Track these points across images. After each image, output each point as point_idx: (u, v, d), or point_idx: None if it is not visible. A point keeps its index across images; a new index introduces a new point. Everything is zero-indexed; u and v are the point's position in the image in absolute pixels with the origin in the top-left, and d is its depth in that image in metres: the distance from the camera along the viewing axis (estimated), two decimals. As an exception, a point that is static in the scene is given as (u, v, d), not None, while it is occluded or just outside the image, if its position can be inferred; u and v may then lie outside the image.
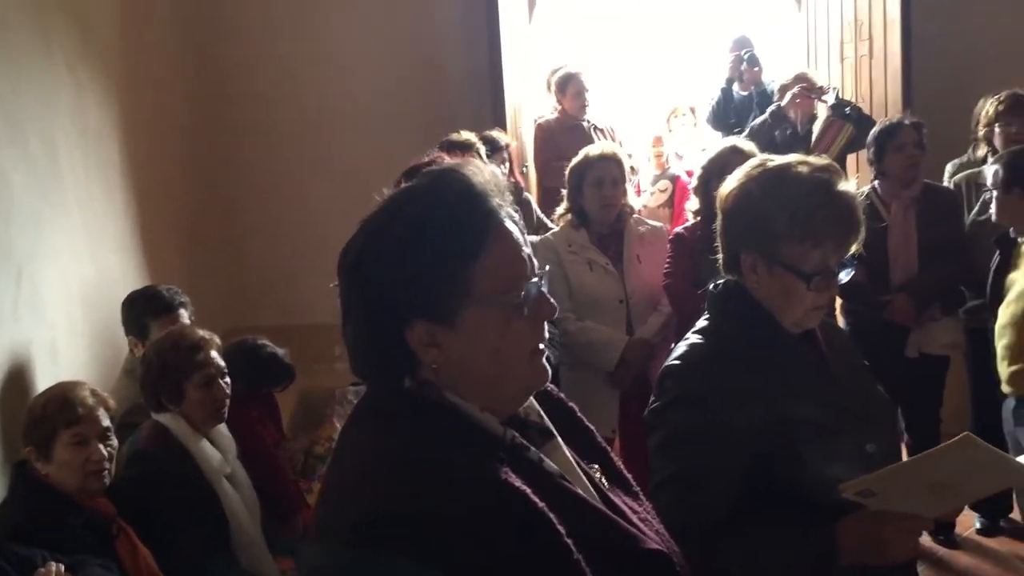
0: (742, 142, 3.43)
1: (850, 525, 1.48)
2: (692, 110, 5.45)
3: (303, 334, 4.05)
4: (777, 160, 1.65)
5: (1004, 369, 3.06)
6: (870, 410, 1.70)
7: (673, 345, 1.77)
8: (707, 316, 1.71)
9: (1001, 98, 3.68)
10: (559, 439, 1.22)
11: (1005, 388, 3.08)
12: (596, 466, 1.27)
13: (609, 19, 6.70)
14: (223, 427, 2.73)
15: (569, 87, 5.11)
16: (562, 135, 5.05)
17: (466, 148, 3.52)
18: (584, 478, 1.21)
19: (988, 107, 3.74)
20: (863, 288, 3.54)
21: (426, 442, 1.09)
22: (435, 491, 1.04)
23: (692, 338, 1.68)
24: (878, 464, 1.55)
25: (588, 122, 5.14)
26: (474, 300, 1.12)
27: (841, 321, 3.88)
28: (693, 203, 3.41)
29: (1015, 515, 3.66)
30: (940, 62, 4.67)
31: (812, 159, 1.64)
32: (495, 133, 4.44)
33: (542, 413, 1.24)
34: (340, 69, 5.21)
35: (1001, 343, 3.07)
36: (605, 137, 5.08)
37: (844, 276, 1.62)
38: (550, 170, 4.93)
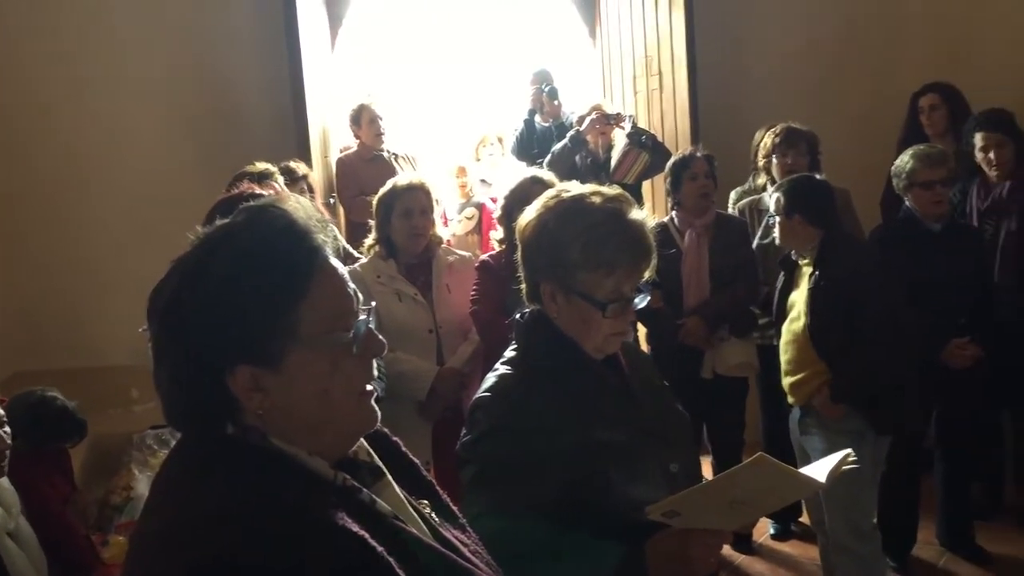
0: (543, 172, 3.51)
1: (658, 544, 1.53)
2: (500, 140, 5.55)
3: (96, 377, 3.81)
4: (571, 191, 1.69)
5: (786, 382, 3.27)
6: (672, 431, 1.77)
7: (483, 373, 1.78)
8: (514, 346, 1.73)
9: (777, 131, 3.96)
10: (389, 477, 1.19)
11: (790, 399, 3.29)
12: (425, 501, 1.25)
13: (412, 48, 6.72)
14: (5, 481, 2.52)
15: (362, 118, 5.08)
16: (363, 168, 5.00)
17: (263, 178, 3.43)
18: (415, 515, 1.19)
19: (766, 139, 4.02)
20: (660, 312, 3.70)
21: (253, 489, 1.03)
22: (267, 539, 0.98)
23: (500, 369, 1.69)
24: (681, 482, 1.61)
25: (388, 151, 5.12)
26: (300, 342, 1.07)
27: (644, 345, 4.05)
28: (498, 232, 3.45)
29: (804, 519, 3.90)
30: (723, 96, 4.99)
31: (604, 189, 1.68)
32: (293, 163, 4.34)
33: (371, 451, 1.20)
34: (131, 95, 4.98)
35: (784, 358, 3.28)
36: (406, 165, 5.09)
37: (640, 302, 1.67)
38: (354, 205, 4.88)
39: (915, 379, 3.17)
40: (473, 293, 3.30)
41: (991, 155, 3.81)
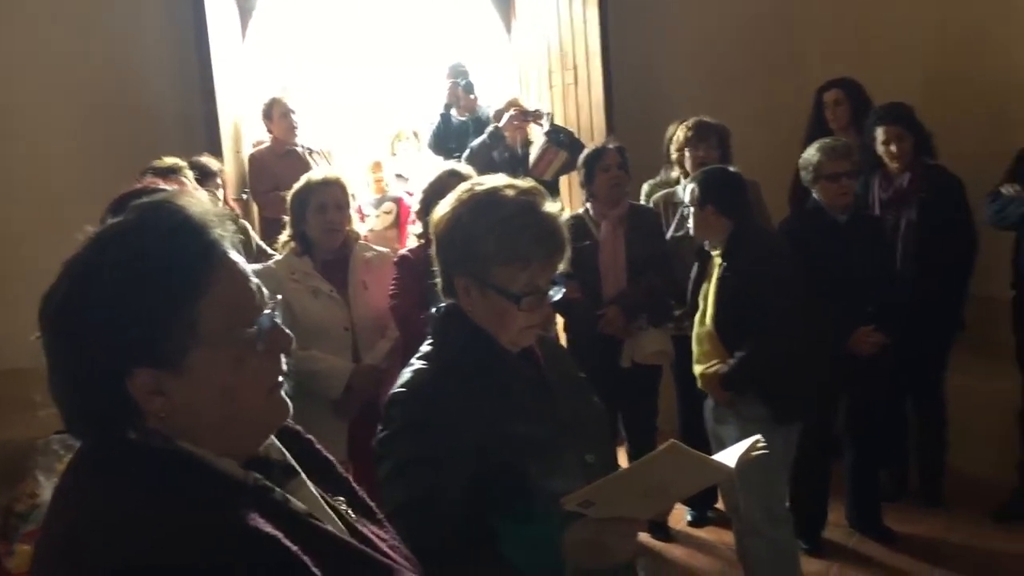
0: (460, 166, 3.50)
1: (574, 535, 1.53)
2: (415, 134, 5.52)
3: (-5, 380, 3.67)
4: (485, 184, 1.68)
5: (697, 370, 3.33)
6: (587, 422, 1.78)
7: (402, 369, 1.76)
8: (430, 341, 1.72)
9: (689, 125, 4.02)
10: (303, 475, 1.17)
11: (700, 386, 3.35)
12: (341, 498, 1.23)
13: (326, 41, 6.63)
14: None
15: (274, 111, 4.99)
16: (276, 163, 4.92)
17: (171, 173, 3.34)
18: (331, 512, 1.17)
19: (678, 133, 4.09)
20: (579, 303, 3.74)
21: (159, 494, 1.00)
22: (176, 544, 0.95)
23: (416, 364, 1.68)
24: (598, 473, 1.62)
25: (302, 146, 5.05)
26: (202, 340, 1.04)
27: (563, 336, 4.08)
28: (417, 227, 3.44)
29: (720, 505, 3.98)
30: (636, 90, 5.05)
31: (518, 182, 1.68)
32: (205, 159, 4.24)
33: (283, 449, 1.18)
34: (34, 87, 4.79)
35: (696, 348, 3.34)
36: (321, 160, 5.02)
37: (554, 294, 1.68)
38: (268, 201, 4.79)
39: (820, 368, 3.25)
40: (392, 288, 3.27)
41: (891, 147, 3.94)
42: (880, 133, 3.98)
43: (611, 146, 3.93)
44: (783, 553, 3.23)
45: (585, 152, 3.99)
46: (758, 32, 5.27)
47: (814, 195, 3.69)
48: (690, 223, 3.30)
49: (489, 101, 5.45)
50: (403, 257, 3.37)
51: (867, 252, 3.63)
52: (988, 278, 4.10)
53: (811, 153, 3.65)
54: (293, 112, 4.99)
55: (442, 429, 1.55)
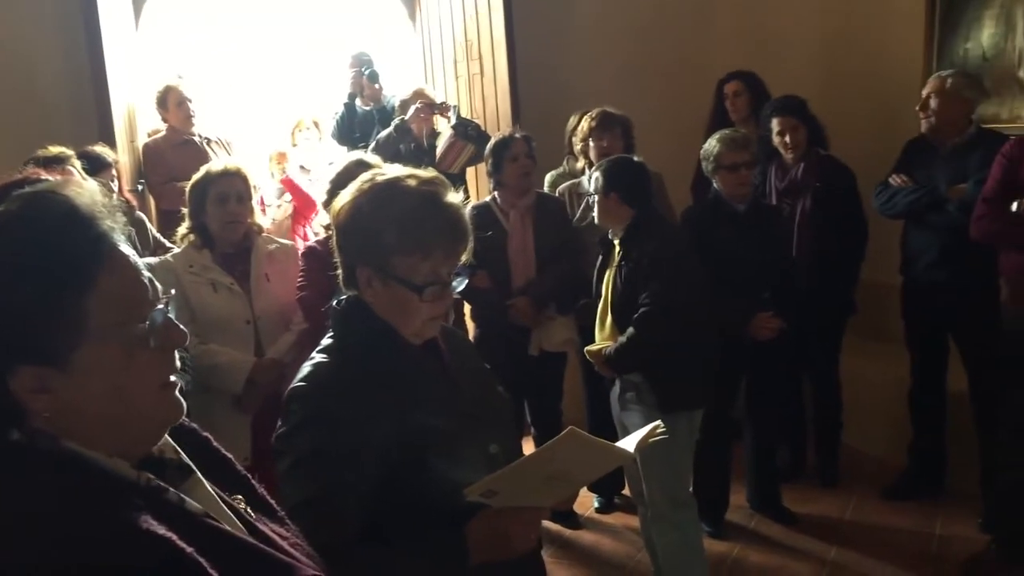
0: (368, 156, 3.46)
1: (477, 525, 1.54)
2: (316, 124, 5.43)
3: None
4: (386, 174, 1.67)
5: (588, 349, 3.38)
6: (491, 412, 1.78)
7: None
8: (331, 334, 1.69)
9: (593, 115, 4.06)
10: (199, 474, 1.13)
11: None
12: (239, 496, 1.19)
13: (224, 27, 6.45)
14: None
15: (170, 100, 4.83)
16: (173, 153, 4.76)
17: (56, 163, 3.20)
18: (229, 512, 1.14)
19: (582, 123, 4.12)
20: (488, 292, 3.74)
21: (44, 497, 0.95)
22: (64, 548, 0.91)
23: (317, 357, 1.65)
24: (502, 463, 1.62)
25: (200, 136, 4.91)
26: (90, 336, 1.00)
27: (471, 326, 4.08)
28: (324, 217, 3.38)
29: (627, 491, 4.04)
30: (541, 82, 5.07)
31: (420, 172, 1.67)
32: (99, 148, 4.08)
33: (178, 448, 1.14)
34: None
35: (598, 334, 3.39)
36: (220, 151, 4.89)
37: (458, 285, 1.67)
38: (165, 192, 4.65)
39: (715, 355, 3.32)
40: (300, 279, 3.22)
41: (786, 138, 4.06)
42: (775, 124, 4.09)
43: (518, 135, 3.93)
44: (687, 537, 3.30)
45: (492, 141, 3.98)
46: (660, 25, 5.35)
47: (714, 185, 3.77)
48: (595, 211, 3.34)
49: (394, 91, 5.39)
50: (310, 248, 3.32)
51: (765, 240, 3.73)
52: (878, 265, 4.27)
53: (711, 144, 3.73)
54: (190, 100, 4.84)
55: (343, 423, 1.53)
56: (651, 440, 1.70)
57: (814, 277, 4.00)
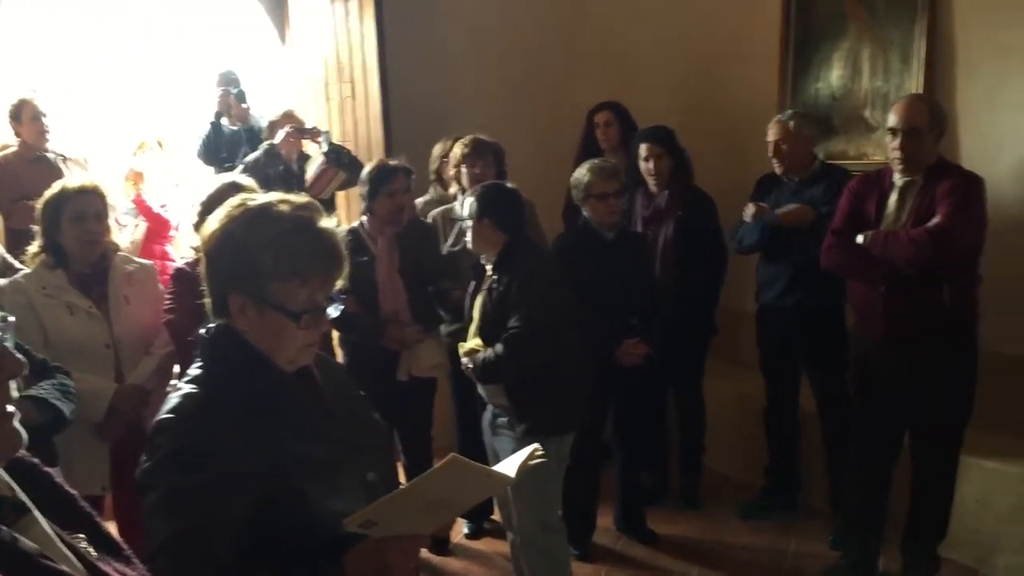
0: (241, 178, 3.37)
1: (356, 555, 1.51)
2: (160, 143, 5.27)
3: None
4: (258, 199, 1.63)
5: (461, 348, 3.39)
6: (367, 440, 1.76)
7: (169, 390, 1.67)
8: (199, 363, 1.63)
9: (466, 142, 4.08)
10: (36, 512, 1.07)
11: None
12: (81, 536, 1.13)
13: (82, 42, 6.19)
14: None
15: (23, 114, 4.61)
16: (25, 170, 4.54)
17: None
18: (68, 552, 1.08)
19: (455, 149, 4.14)
20: (357, 318, 3.69)
21: None
22: None
23: (185, 388, 1.59)
24: (379, 491, 1.60)
25: (54, 152, 4.68)
26: None
27: (339, 353, 4.01)
28: (194, 239, 3.27)
29: (496, 516, 4.06)
30: (415, 107, 5.07)
31: (292, 197, 1.64)
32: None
33: (13, 485, 1.08)
34: None
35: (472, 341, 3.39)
36: (76, 169, 4.69)
37: (333, 311, 1.65)
38: (15, 210, 4.40)
39: (583, 381, 3.38)
40: (168, 302, 3.11)
41: (651, 165, 4.20)
42: (643, 150, 4.23)
43: (400, 168, 3.81)
44: (556, 561, 3.33)
45: (373, 169, 3.84)
46: (530, 54, 5.46)
47: (584, 213, 3.85)
48: (468, 237, 3.35)
49: (262, 111, 5.29)
50: (179, 270, 3.21)
51: (632, 267, 3.83)
52: (736, 292, 4.47)
53: (581, 173, 3.81)
54: (44, 115, 4.62)
55: (213, 456, 1.48)
56: (531, 463, 1.72)
57: (677, 302, 4.14)
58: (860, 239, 3.37)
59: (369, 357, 3.75)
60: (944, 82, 4.14)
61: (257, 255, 1.55)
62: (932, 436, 3.45)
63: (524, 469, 1.69)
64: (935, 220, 3.21)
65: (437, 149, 4.34)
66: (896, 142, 3.31)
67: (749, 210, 4.03)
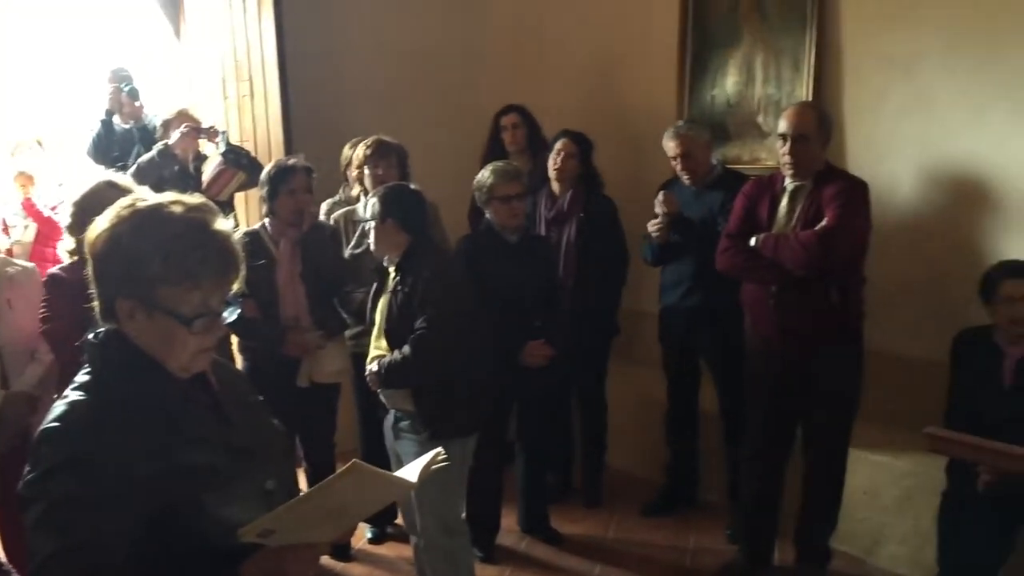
0: (118, 176, 3.26)
1: (253, 566, 1.48)
2: (39, 142, 5.08)
3: None
4: (148, 200, 1.58)
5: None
6: (266, 447, 1.73)
7: (56, 398, 1.60)
8: (86, 370, 1.57)
9: (368, 143, 4.04)
10: None
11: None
12: None
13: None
14: None
15: None
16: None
17: None
18: None
19: (358, 151, 4.10)
20: (256, 323, 3.62)
21: None
22: None
23: (71, 395, 1.52)
24: (279, 499, 1.57)
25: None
26: None
27: (239, 358, 3.92)
28: (68, 242, 3.14)
29: (400, 520, 4.03)
30: (317, 106, 5.00)
31: (185, 198, 1.59)
32: None
33: None
34: None
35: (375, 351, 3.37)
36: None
37: (228, 315, 1.61)
38: None
39: (486, 384, 3.39)
40: (43, 310, 2.97)
41: (558, 160, 4.25)
42: (559, 144, 4.30)
43: (300, 166, 3.76)
44: (459, 564, 3.33)
45: (272, 168, 3.78)
46: (434, 54, 5.45)
47: (487, 215, 3.86)
48: (370, 239, 3.33)
49: (156, 109, 5.14)
50: (54, 276, 3.06)
51: (536, 269, 3.86)
52: (638, 293, 4.56)
53: (484, 176, 3.82)
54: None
55: (102, 466, 1.42)
56: (434, 467, 1.71)
57: (579, 302, 4.19)
58: (753, 242, 3.47)
59: (269, 363, 3.68)
60: (832, 90, 4.30)
61: (146, 258, 1.50)
62: (822, 431, 3.58)
63: (427, 473, 1.69)
64: (822, 223, 3.33)
65: (346, 150, 4.28)
66: (786, 148, 3.42)
67: (660, 199, 4.08)
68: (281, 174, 3.71)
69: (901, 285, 4.04)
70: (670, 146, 4.10)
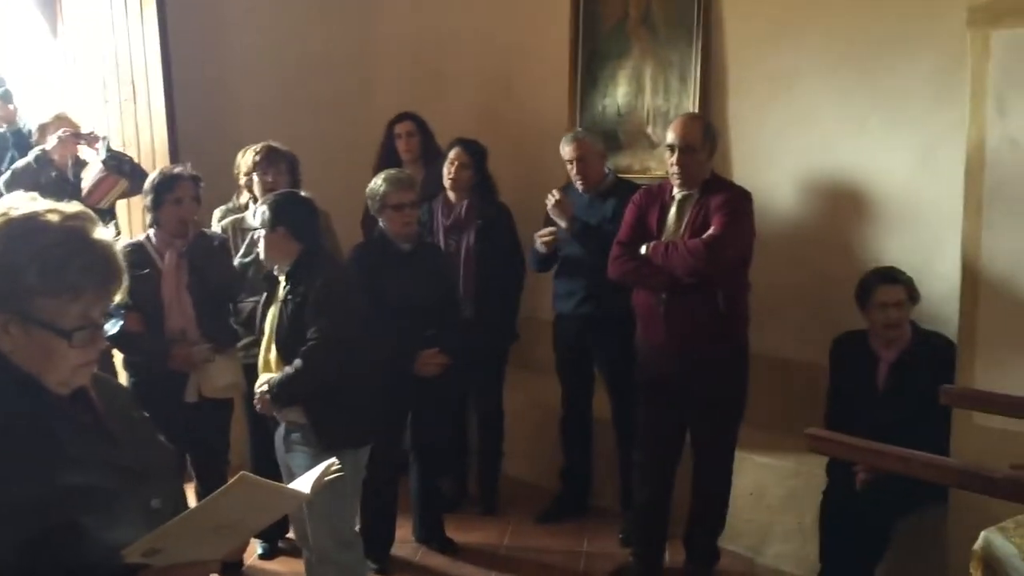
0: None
1: (138, 589, 1.43)
2: None
3: None
4: (21, 209, 1.50)
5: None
6: (153, 465, 1.66)
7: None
8: (-43, 387, 1.49)
9: (258, 150, 3.98)
10: None
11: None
12: None
13: None
14: None
15: None
16: None
17: None
18: None
19: (246, 157, 4.02)
20: (140, 337, 3.49)
21: None
22: None
23: (-62, 414, 1.44)
24: (166, 518, 1.52)
25: None
26: None
27: (123, 374, 3.78)
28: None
29: (291, 534, 3.95)
30: (204, 112, 4.87)
31: (62, 207, 1.52)
32: None
33: None
34: None
35: (262, 375, 3.30)
36: None
37: (111, 327, 1.55)
38: None
39: (378, 393, 3.36)
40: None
41: (453, 170, 4.25)
42: (453, 154, 4.30)
43: (186, 174, 3.65)
44: (353, 576, 3.29)
45: (157, 177, 3.65)
46: (326, 60, 5.39)
47: (380, 224, 3.83)
48: (260, 247, 3.26)
49: (31, 112, 4.92)
50: None
51: (430, 278, 3.85)
52: (534, 301, 4.60)
53: (376, 183, 3.79)
54: None
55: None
56: (327, 479, 1.68)
57: (480, 310, 4.20)
58: (643, 250, 3.54)
59: (156, 378, 3.55)
60: (718, 102, 4.43)
61: (20, 269, 1.43)
62: (710, 435, 3.68)
63: (320, 484, 1.66)
64: (709, 231, 3.42)
65: (239, 156, 4.18)
66: (674, 158, 3.51)
67: (552, 198, 4.10)
68: (166, 182, 3.60)
69: (784, 291, 4.19)
70: (567, 150, 4.16)
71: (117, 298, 1.55)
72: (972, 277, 3.19)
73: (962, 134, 3.18)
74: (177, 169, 3.69)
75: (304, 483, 1.66)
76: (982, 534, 2.26)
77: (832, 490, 3.49)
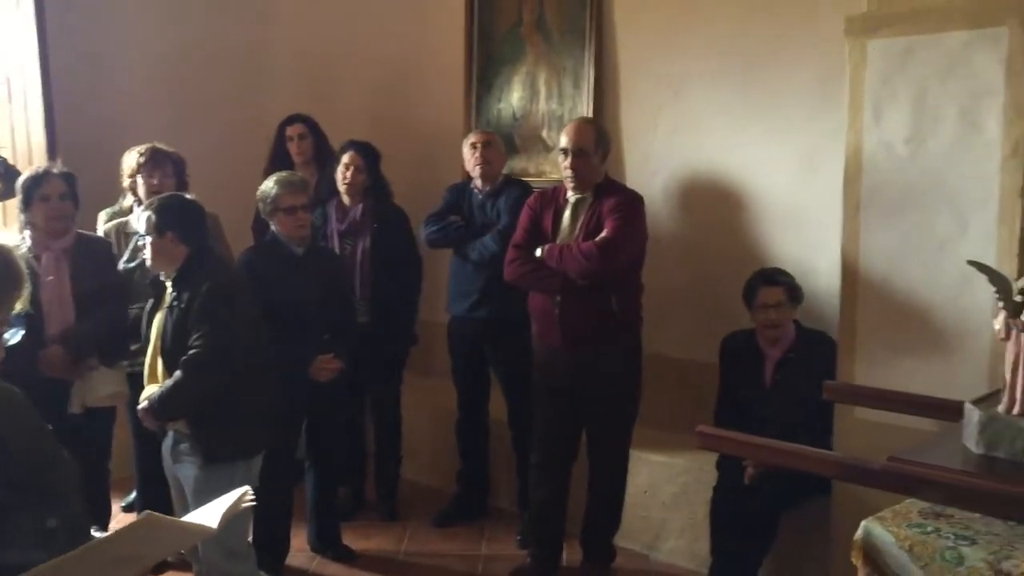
0: None
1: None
2: None
3: None
4: None
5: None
6: (51, 480, 1.59)
7: None
8: None
9: (142, 151, 3.86)
10: None
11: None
12: None
13: None
14: None
15: None
16: None
17: None
18: None
19: (130, 159, 3.89)
20: (17, 344, 3.33)
21: None
22: None
23: None
24: (61, 539, 1.46)
25: None
26: None
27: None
28: None
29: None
30: (85, 112, 4.69)
31: None
32: None
33: None
34: None
35: (147, 383, 3.19)
36: None
37: (11, 337, 1.48)
38: None
39: (270, 401, 3.28)
40: None
41: (348, 174, 4.21)
42: (346, 158, 4.25)
43: (55, 171, 3.55)
44: (247, 590, 3.20)
45: (25, 177, 3.54)
46: (213, 59, 5.26)
47: (272, 227, 3.76)
48: (146, 252, 3.15)
49: None
50: None
51: (324, 282, 3.79)
52: (429, 304, 4.58)
53: (268, 186, 3.71)
54: None
55: None
56: (242, 507, 1.64)
57: (377, 313, 4.17)
58: (538, 252, 3.57)
59: (34, 387, 3.38)
60: (611, 107, 4.51)
61: None
62: (605, 435, 3.73)
63: (231, 515, 1.62)
64: (602, 234, 3.48)
65: (125, 158, 4.03)
66: (567, 161, 3.55)
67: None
68: (33, 181, 3.51)
69: (676, 292, 4.29)
70: (473, 137, 4.21)
71: (18, 306, 1.49)
72: (851, 277, 3.32)
73: (842, 140, 3.30)
74: (45, 166, 3.59)
75: (211, 515, 1.61)
76: (862, 524, 2.35)
77: (722, 485, 3.59)
